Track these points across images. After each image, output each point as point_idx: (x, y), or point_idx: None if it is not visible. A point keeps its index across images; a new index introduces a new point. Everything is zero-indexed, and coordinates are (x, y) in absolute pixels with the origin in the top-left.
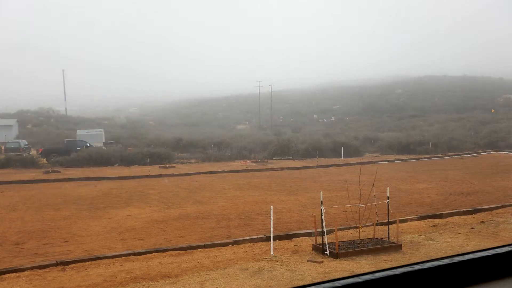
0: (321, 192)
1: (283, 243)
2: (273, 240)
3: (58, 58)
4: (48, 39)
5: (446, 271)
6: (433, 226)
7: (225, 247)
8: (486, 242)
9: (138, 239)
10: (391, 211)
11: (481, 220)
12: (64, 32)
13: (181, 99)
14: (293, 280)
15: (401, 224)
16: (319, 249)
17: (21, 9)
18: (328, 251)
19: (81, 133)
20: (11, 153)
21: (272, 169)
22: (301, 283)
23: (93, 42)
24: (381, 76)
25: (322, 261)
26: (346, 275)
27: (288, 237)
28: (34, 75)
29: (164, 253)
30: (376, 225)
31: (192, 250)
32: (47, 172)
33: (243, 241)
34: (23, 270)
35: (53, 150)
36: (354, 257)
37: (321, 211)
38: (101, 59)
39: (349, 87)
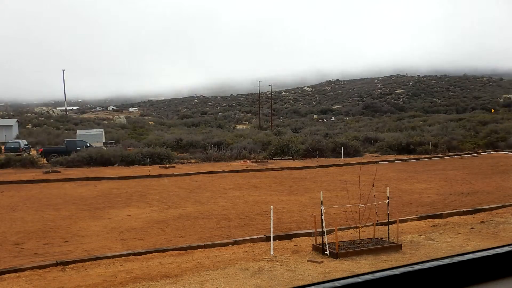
0: (321, 192)
1: (283, 243)
2: (273, 240)
3: (58, 57)
4: (48, 36)
5: (446, 271)
6: (433, 226)
7: (225, 247)
8: (486, 242)
9: (138, 239)
10: (391, 211)
11: (481, 220)
12: (64, 31)
13: (180, 98)
14: (293, 280)
15: (401, 224)
16: (319, 249)
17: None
18: (328, 251)
19: (81, 133)
20: (11, 153)
21: (272, 169)
22: (301, 283)
23: (92, 41)
24: (382, 76)
25: (322, 261)
26: (346, 275)
27: (288, 237)
28: (35, 74)
29: (164, 253)
30: (376, 225)
31: (192, 250)
32: (47, 172)
33: (243, 241)
34: (23, 270)
35: (53, 150)
36: (354, 257)
37: (321, 211)
38: (101, 58)
39: (349, 87)
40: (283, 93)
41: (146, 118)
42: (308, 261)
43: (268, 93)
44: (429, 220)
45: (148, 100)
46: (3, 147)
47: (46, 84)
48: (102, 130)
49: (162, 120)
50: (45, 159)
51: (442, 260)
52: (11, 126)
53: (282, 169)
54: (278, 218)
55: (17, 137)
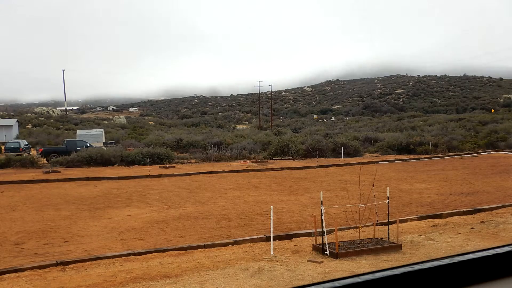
0: (321, 192)
1: (283, 243)
2: (273, 240)
3: (58, 57)
4: (49, 36)
5: (446, 271)
6: (433, 226)
7: (225, 247)
8: (486, 242)
9: (138, 239)
10: (391, 211)
11: (481, 220)
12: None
13: (180, 98)
14: (293, 280)
15: (401, 224)
16: (319, 249)
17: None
18: (328, 251)
19: (81, 133)
20: (11, 153)
21: (272, 169)
22: (301, 283)
23: (92, 41)
24: (382, 75)
25: (322, 261)
26: (346, 275)
27: (288, 237)
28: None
29: (164, 253)
30: (376, 225)
31: (192, 250)
32: (47, 172)
33: (243, 241)
34: (23, 270)
35: (53, 150)
36: (354, 257)
37: (321, 211)
38: (102, 59)
39: (350, 87)
40: (283, 93)
41: (146, 118)
42: (308, 261)
43: (268, 93)
44: (429, 220)
45: (148, 100)
46: (3, 147)
47: (46, 84)
48: (102, 130)
49: (162, 120)
50: (45, 159)
51: (442, 260)
52: (11, 126)
53: (282, 169)
54: (278, 218)
55: (17, 137)
